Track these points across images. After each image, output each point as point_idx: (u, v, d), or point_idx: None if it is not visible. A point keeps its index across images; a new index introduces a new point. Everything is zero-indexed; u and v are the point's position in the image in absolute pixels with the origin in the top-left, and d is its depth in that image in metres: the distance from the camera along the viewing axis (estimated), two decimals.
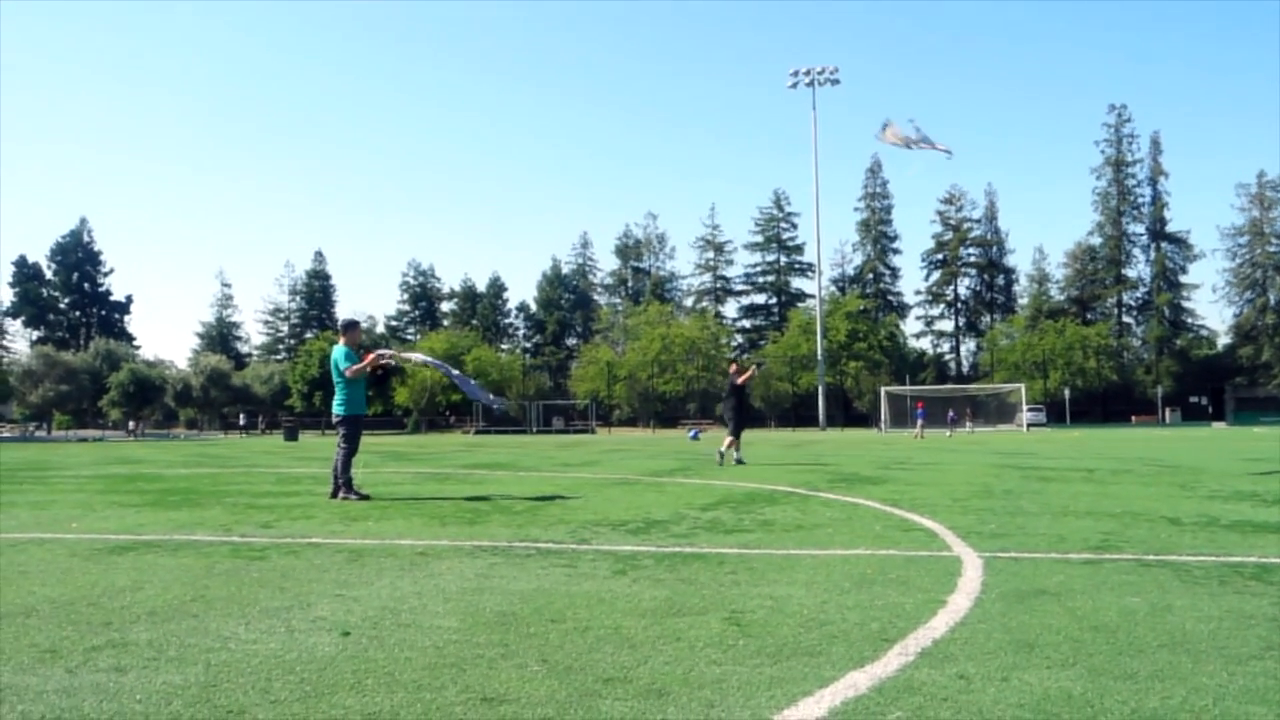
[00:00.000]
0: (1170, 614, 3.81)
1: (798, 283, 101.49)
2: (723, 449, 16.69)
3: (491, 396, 10.31)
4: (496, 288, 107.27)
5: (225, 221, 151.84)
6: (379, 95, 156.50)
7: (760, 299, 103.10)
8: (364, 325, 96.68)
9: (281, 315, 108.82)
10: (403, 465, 17.12)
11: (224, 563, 5.31)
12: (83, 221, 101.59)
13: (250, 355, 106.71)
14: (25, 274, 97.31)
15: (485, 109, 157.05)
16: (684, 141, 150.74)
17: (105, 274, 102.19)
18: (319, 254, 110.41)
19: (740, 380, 17.25)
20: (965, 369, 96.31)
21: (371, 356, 9.77)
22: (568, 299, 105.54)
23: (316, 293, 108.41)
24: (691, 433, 32.70)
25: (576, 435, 57.28)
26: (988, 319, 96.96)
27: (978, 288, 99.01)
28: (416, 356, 11.83)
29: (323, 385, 78.27)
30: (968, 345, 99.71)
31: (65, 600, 4.23)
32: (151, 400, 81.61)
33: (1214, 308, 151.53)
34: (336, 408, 9.80)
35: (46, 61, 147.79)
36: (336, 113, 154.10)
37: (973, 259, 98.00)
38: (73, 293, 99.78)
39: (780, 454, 20.89)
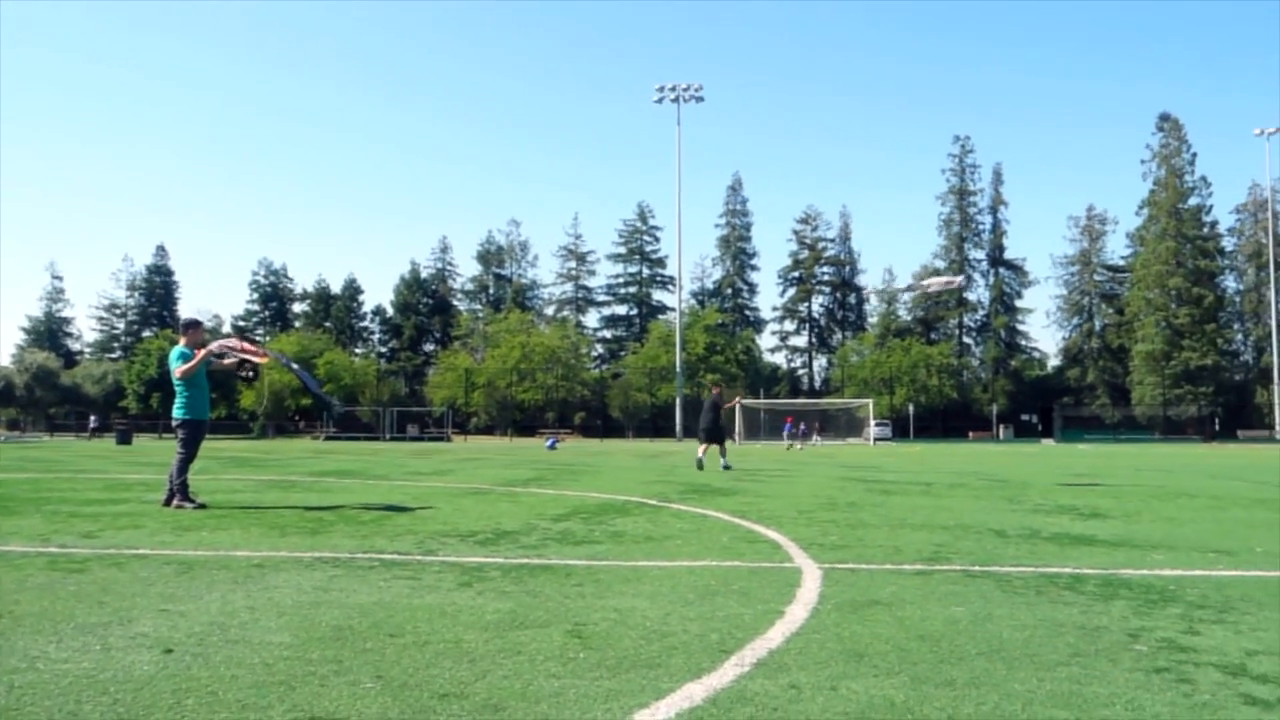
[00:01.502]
0: (990, 623, 4.02)
1: (659, 295, 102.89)
2: (725, 459, 19.02)
3: (333, 401, 10.06)
4: (352, 290, 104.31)
5: (57, 210, 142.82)
6: (229, 86, 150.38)
7: (621, 310, 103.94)
8: (210, 325, 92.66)
9: (118, 312, 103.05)
10: (245, 472, 16.44)
11: (38, 575, 4.97)
12: None
13: (82, 353, 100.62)
14: None
15: (342, 108, 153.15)
16: (549, 150, 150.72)
17: None
18: (161, 248, 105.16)
19: (726, 405, 21.00)
20: (817, 384, 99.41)
21: (203, 352, 9.32)
22: (426, 304, 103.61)
23: (157, 289, 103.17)
24: (549, 442, 32.68)
25: (431, 443, 56.25)
26: (839, 336, 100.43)
27: (831, 305, 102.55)
28: (263, 353, 11.21)
29: (161, 386, 74.48)
30: (820, 361, 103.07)
31: None
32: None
33: (1046, 332, 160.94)
34: (175, 410, 9.34)
35: None
36: (182, 102, 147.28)
37: (827, 278, 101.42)
38: None
39: (636, 464, 21.05)
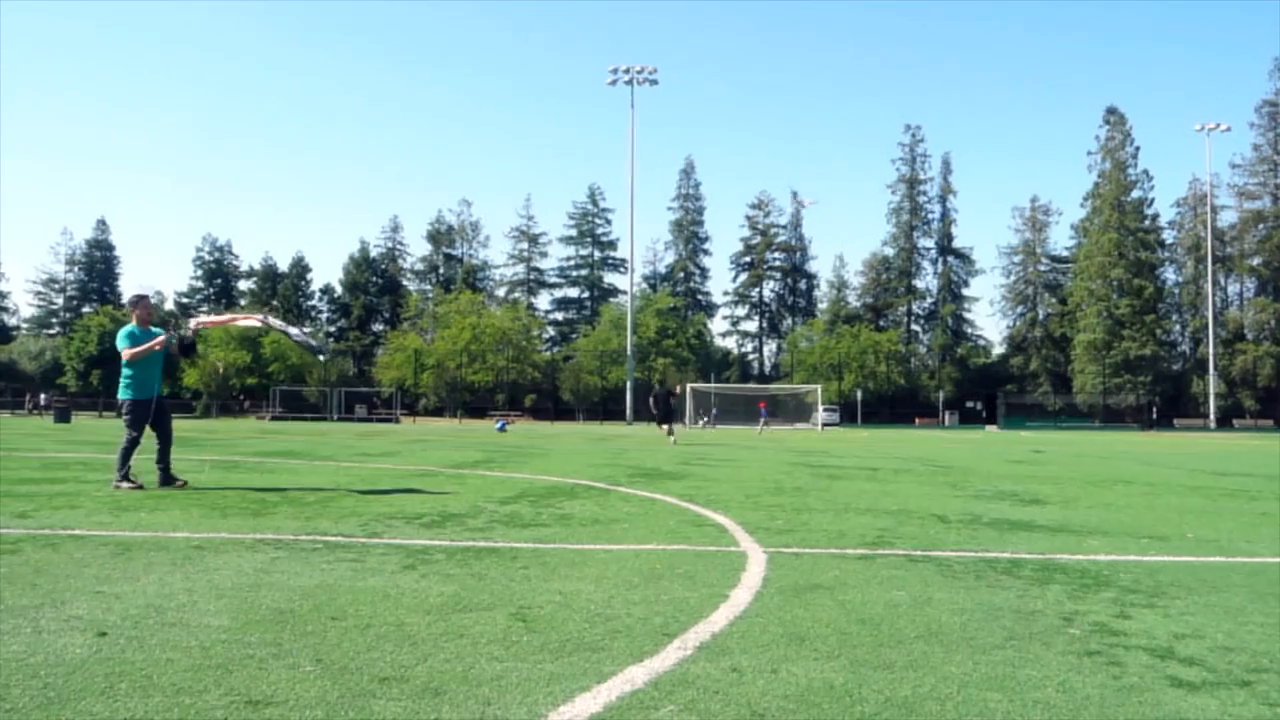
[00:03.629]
0: (929, 607, 4.09)
1: (610, 278, 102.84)
2: (673, 438, 23.43)
3: (323, 346, 10.11)
4: (300, 268, 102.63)
5: None
6: (175, 58, 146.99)
7: (573, 292, 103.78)
8: (152, 301, 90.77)
9: (56, 286, 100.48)
10: (187, 452, 16.14)
11: None
12: None
13: (19, 328, 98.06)
14: None
15: (291, 82, 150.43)
16: (501, 130, 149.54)
17: None
18: (102, 222, 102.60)
19: (676, 390, 27.43)
20: (767, 369, 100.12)
21: (158, 342, 9.13)
22: (375, 283, 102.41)
23: (98, 264, 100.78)
24: (499, 424, 32.54)
25: (380, 424, 55.74)
26: (790, 321, 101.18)
27: (781, 291, 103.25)
28: (239, 319, 10.96)
29: (101, 363, 72.93)
30: (770, 346, 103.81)
31: None
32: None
33: (991, 320, 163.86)
34: (120, 390, 9.14)
35: None
36: (126, 71, 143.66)
37: (778, 263, 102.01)
38: None
39: (586, 447, 21.05)
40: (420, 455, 16.31)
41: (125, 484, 8.57)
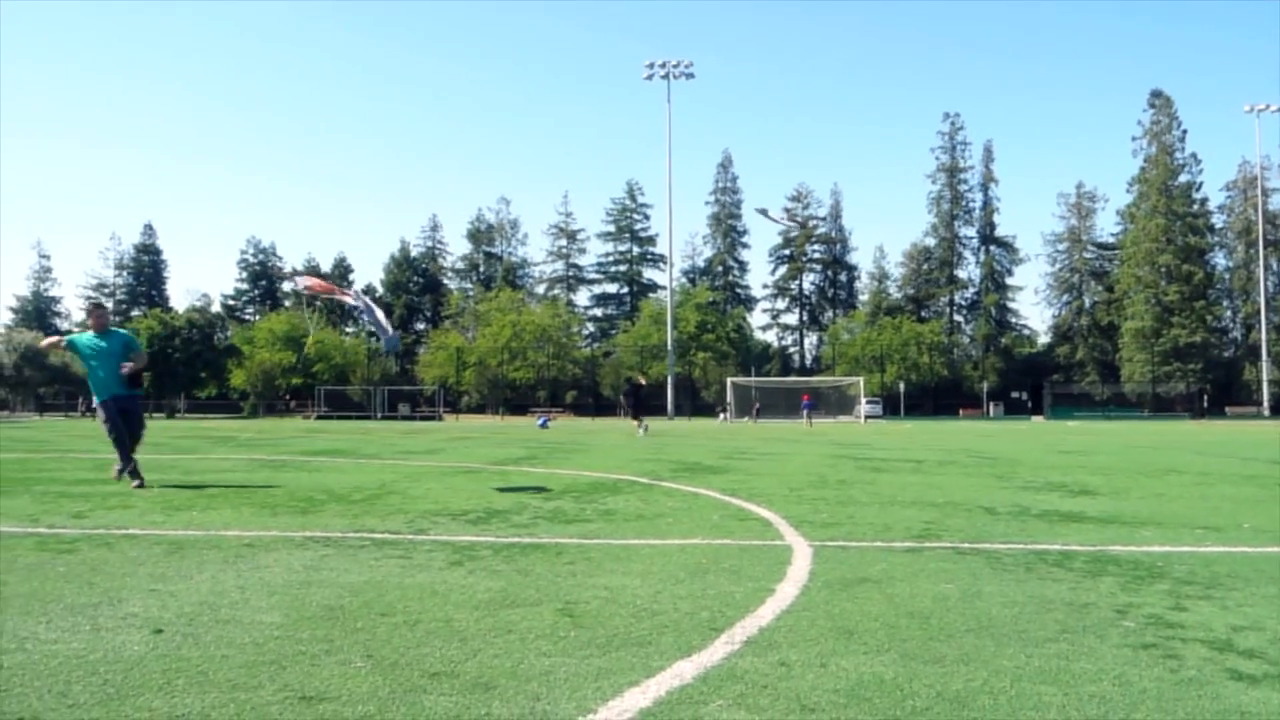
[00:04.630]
0: (979, 600, 4.04)
1: (649, 273, 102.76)
2: (641, 430, 25.42)
3: (391, 332, 9.93)
4: (342, 269, 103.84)
5: (44, 188, 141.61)
6: (217, 64, 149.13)
7: (612, 288, 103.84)
8: (199, 304, 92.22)
9: (106, 291, 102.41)
10: (235, 451, 16.42)
11: (27, 556, 4.96)
12: None
13: (70, 332, 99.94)
14: None
15: (331, 86, 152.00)
16: (538, 128, 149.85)
17: None
18: (149, 227, 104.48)
19: (643, 384, 29.12)
20: (808, 362, 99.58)
21: (52, 341, 9.75)
22: (417, 282, 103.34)
23: (146, 268, 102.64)
24: (541, 420, 32.67)
25: (423, 422, 56.24)
26: (830, 314, 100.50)
27: (822, 283, 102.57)
28: (338, 293, 10.73)
29: (151, 366, 74.15)
30: (811, 339, 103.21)
31: None
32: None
33: (1035, 309, 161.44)
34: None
35: None
36: (170, 79, 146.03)
37: (817, 256, 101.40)
38: None
39: (628, 442, 21.07)
40: (463, 452, 16.43)
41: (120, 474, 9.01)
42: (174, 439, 22.50)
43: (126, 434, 9.28)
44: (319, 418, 62.75)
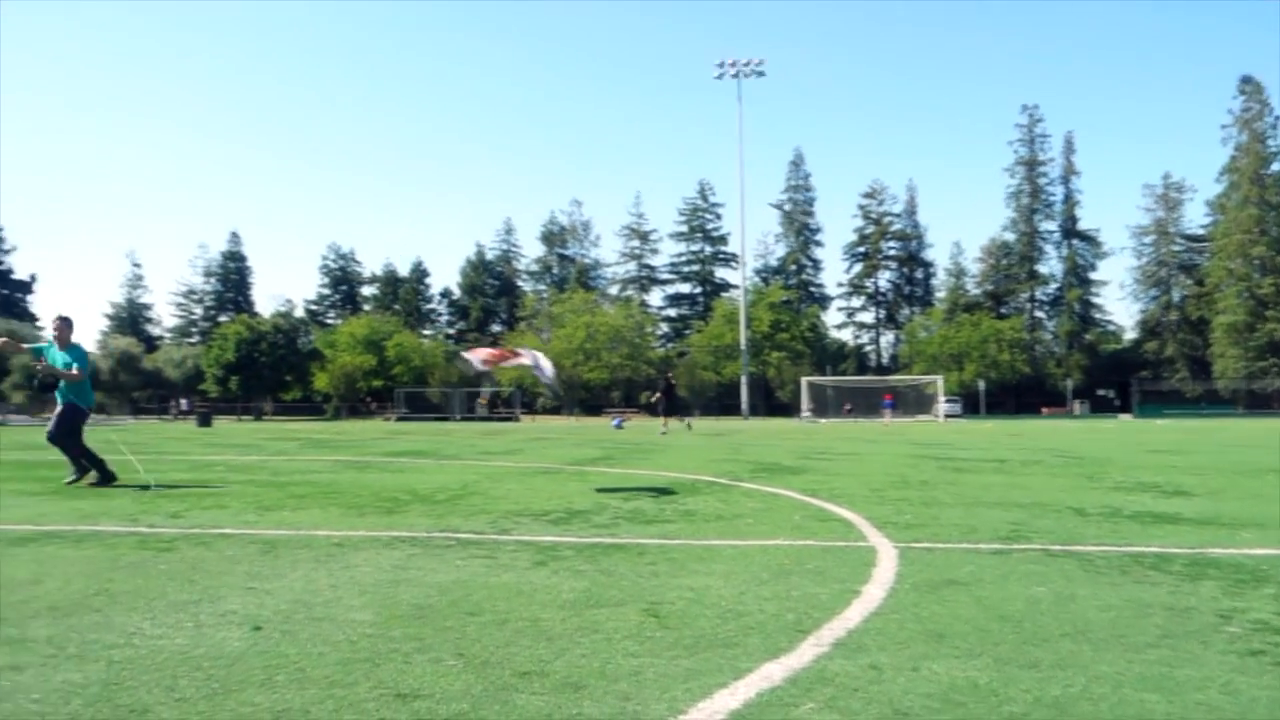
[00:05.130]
0: (1073, 603, 3.94)
1: (722, 273, 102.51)
2: (664, 428, 26.14)
3: (556, 387, 9.85)
4: (419, 272, 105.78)
5: (136, 200, 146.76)
6: (294, 72, 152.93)
7: (685, 288, 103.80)
8: (283, 309, 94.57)
9: (195, 297, 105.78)
10: (321, 453, 16.81)
11: (130, 555, 5.15)
12: None
13: (162, 338, 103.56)
14: None
15: (408, 92, 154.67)
16: (610, 129, 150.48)
17: (6, 252, 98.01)
18: (235, 235, 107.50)
19: (675, 382, 27.99)
20: (885, 360, 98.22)
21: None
22: (492, 285, 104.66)
23: (232, 275, 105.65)
24: (615, 421, 32.78)
25: (500, 423, 56.92)
26: (907, 311, 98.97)
27: (898, 280, 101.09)
28: (511, 358, 10.33)
29: (238, 369, 76.43)
30: (887, 337, 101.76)
31: None
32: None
33: (1121, 304, 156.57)
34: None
35: None
36: (252, 89, 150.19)
37: (893, 252, 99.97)
38: None
39: (704, 443, 21.04)
40: (541, 453, 16.58)
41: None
42: (261, 441, 23.15)
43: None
44: (399, 419, 63.93)
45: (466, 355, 9.28)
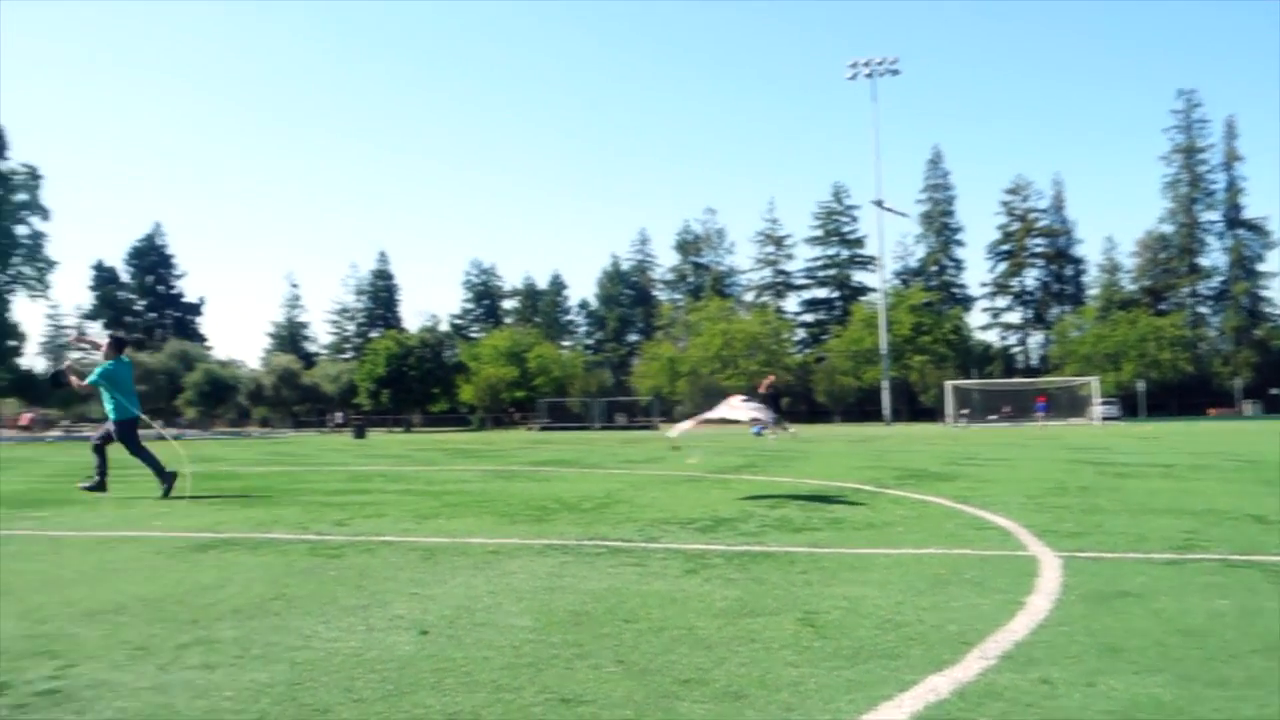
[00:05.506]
0: (1260, 617, 3.70)
1: (859, 276, 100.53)
2: (774, 434, 23.40)
3: (765, 419, 9.52)
4: (557, 285, 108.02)
5: (292, 224, 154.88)
6: (438, 96, 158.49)
7: (822, 293, 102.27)
8: (430, 324, 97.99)
9: (348, 315, 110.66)
10: (470, 463, 17.32)
11: (302, 561, 5.42)
12: (156, 226, 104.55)
13: (319, 354, 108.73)
14: (104, 278, 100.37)
15: (541, 106, 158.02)
16: (742, 135, 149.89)
17: (178, 277, 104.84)
18: (382, 254, 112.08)
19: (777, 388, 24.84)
20: (1034, 362, 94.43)
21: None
22: (628, 295, 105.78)
23: (381, 292, 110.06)
24: (755, 428, 32.49)
25: (639, 431, 57.40)
26: (1057, 310, 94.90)
27: (1046, 279, 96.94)
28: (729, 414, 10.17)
29: (390, 383, 79.47)
30: (1036, 337, 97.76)
31: (153, 598, 4.36)
32: (225, 399, 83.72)
33: None
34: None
35: (119, 73, 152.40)
36: (396, 115, 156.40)
37: (1040, 249, 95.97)
38: (148, 295, 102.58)
39: (846, 449, 20.71)
40: (681, 461, 16.62)
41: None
42: (413, 451, 24.01)
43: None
44: (542, 429, 65.24)
45: (671, 433, 9.19)
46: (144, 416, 10.52)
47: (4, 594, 4.47)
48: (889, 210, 69.32)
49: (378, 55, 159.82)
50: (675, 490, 10.08)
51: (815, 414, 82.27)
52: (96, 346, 10.65)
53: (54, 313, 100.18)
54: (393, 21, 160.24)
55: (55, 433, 65.56)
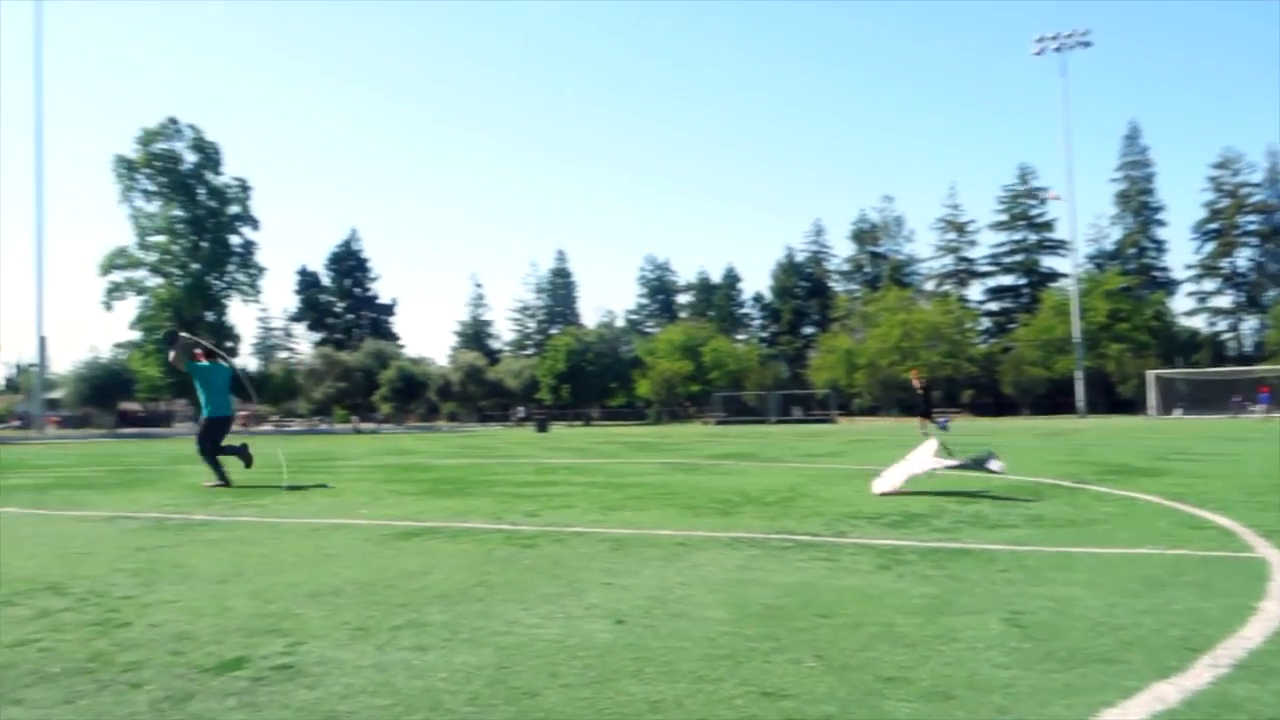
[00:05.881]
0: None
1: (1049, 261, 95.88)
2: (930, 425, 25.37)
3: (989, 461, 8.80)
4: (731, 278, 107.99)
5: (476, 226, 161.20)
6: (611, 97, 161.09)
7: (1008, 280, 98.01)
8: (606, 320, 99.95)
9: (529, 312, 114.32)
10: (650, 455, 17.53)
11: (499, 549, 5.62)
12: (353, 232, 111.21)
13: (501, 351, 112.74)
14: (307, 282, 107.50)
15: (714, 101, 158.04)
16: (919, 120, 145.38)
17: (373, 279, 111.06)
18: (561, 253, 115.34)
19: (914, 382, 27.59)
20: (1247, 348, 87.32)
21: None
22: (802, 287, 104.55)
23: (560, 290, 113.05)
24: (940, 421, 31.56)
25: (817, 425, 56.65)
26: (1274, 293, 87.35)
27: (1260, 259, 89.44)
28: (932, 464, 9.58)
29: (569, 378, 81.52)
30: (1250, 322, 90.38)
31: (366, 582, 4.62)
32: (417, 395, 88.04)
33: None
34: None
35: (318, 91, 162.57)
36: (572, 118, 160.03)
37: (1253, 227, 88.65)
38: (346, 297, 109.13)
39: (1038, 444, 19.76)
40: (865, 455, 16.29)
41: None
42: (593, 444, 24.54)
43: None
44: (717, 423, 65.38)
45: (882, 489, 8.79)
46: (238, 413, 11.71)
47: (236, 576, 4.85)
48: (1048, 199, 65.56)
49: (554, 61, 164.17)
50: (860, 485, 9.87)
51: (1001, 407, 78.94)
52: (211, 353, 11.78)
53: (264, 315, 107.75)
54: (569, 29, 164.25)
55: (266, 427, 70.60)
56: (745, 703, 2.69)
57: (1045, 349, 77.52)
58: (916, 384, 28.02)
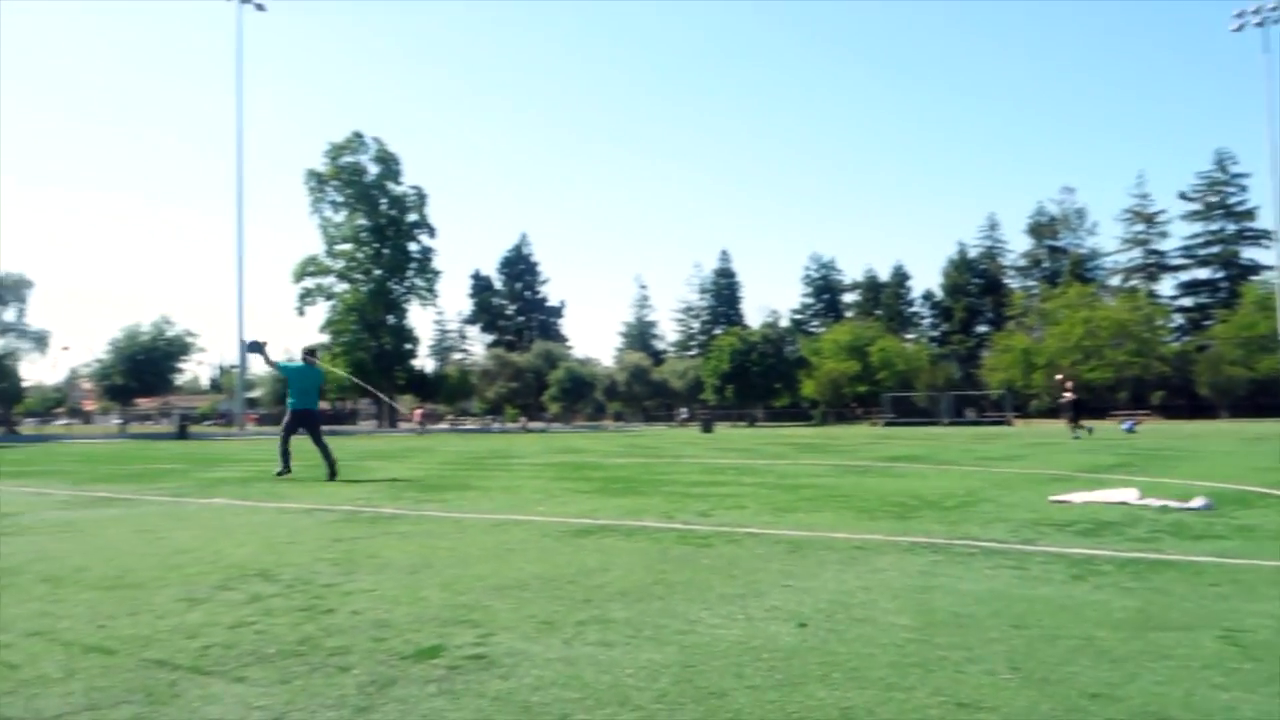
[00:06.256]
0: None
1: (1250, 253, 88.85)
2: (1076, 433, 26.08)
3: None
4: (900, 276, 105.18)
5: (640, 228, 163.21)
6: (774, 97, 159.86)
7: (1203, 274, 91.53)
8: (769, 319, 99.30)
9: (692, 313, 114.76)
10: (818, 457, 17.29)
11: (674, 548, 5.66)
12: (523, 236, 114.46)
13: (666, 352, 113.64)
14: (480, 286, 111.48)
15: (882, 96, 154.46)
16: (1103, 104, 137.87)
17: (542, 282, 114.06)
18: (724, 253, 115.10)
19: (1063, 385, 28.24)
20: None
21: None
22: (975, 284, 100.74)
23: (723, 290, 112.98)
24: (1127, 424, 29.87)
25: (991, 427, 54.49)
26: None
27: None
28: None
29: (733, 379, 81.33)
30: None
31: (548, 576, 4.74)
32: (584, 395, 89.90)
33: None
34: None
35: (505, 100, 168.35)
36: (734, 119, 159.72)
37: None
38: (517, 300, 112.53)
39: (1240, 448, 18.37)
40: (1046, 458, 15.57)
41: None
42: (759, 445, 24.41)
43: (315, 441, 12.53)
44: (886, 424, 63.86)
45: (1070, 498, 8.05)
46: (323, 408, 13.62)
47: (427, 567, 5.07)
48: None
49: (718, 64, 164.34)
50: (1044, 490, 9.43)
51: (1197, 409, 73.80)
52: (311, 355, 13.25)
53: (440, 318, 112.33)
54: (732, 30, 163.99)
55: (442, 425, 73.61)
56: (940, 713, 2.61)
57: (1246, 347, 71.94)
58: (1066, 391, 27.39)
